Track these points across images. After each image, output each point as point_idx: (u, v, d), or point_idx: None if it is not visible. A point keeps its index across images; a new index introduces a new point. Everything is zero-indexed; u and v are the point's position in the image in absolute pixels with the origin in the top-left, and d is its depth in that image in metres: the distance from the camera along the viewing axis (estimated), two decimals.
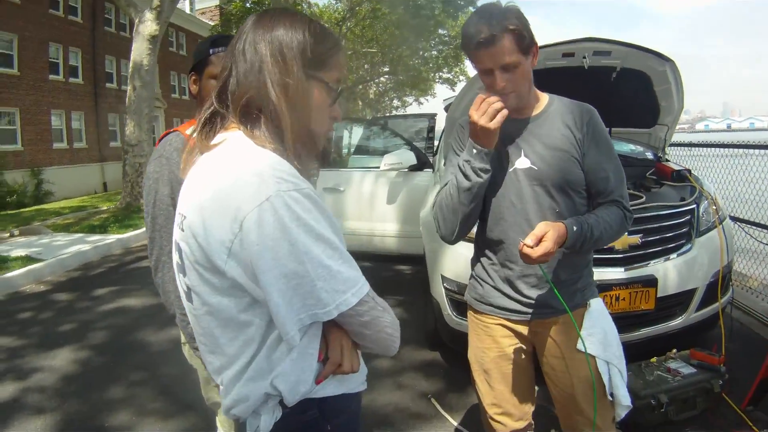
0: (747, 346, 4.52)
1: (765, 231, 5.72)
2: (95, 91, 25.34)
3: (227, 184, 1.25)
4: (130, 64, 13.01)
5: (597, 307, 2.29)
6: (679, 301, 4.02)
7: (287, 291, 1.23)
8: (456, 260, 4.19)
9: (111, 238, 10.18)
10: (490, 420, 2.47)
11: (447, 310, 4.22)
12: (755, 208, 5.99)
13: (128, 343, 5.42)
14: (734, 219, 5.79)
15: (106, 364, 4.93)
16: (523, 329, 2.33)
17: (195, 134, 1.44)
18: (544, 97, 2.26)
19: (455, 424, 3.78)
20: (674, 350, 3.78)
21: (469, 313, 2.51)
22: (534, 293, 2.24)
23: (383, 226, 6.31)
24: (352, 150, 8.11)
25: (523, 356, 2.38)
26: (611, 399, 2.23)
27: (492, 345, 2.38)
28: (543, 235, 1.97)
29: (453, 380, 4.37)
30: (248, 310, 1.31)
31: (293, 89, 1.34)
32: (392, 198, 6.26)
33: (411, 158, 6.19)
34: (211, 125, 1.42)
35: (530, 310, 2.28)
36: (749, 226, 5.89)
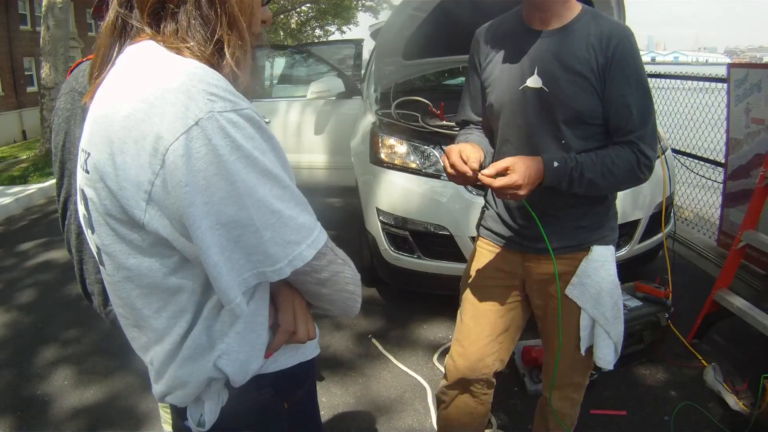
0: (687, 278, 4.51)
1: (700, 163, 5.71)
2: (9, 35, 23.15)
3: (143, 106, 0.91)
4: (43, 3, 12.07)
5: (599, 256, 1.98)
6: (623, 232, 3.92)
7: (227, 245, 0.93)
8: (391, 192, 3.96)
9: (32, 188, 9.47)
10: (447, 356, 2.28)
11: (384, 244, 3.99)
12: (687, 140, 5.98)
13: (57, 299, 5.02)
14: (673, 151, 5.74)
15: (36, 325, 4.56)
16: (516, 261, 2.10)
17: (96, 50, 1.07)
18: (576, 8, 1.89)
19: (398, 364, 3.62)
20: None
21: (476, 240, 2.28)
22: (530, 224, 1.95)
23: (312, 157, 5.97)
24: (275, 81, 7.67)
25: (508, 300, 2.16)
26: (584, 354, 2.06)
27: (477, 270, 2.18)
28: (506, 167, 1.71)
29: (393, 318, 4.21)
30: (177, 273, 1.00)
31: None
32: (320, 128, 5.90)
33: (339, 85, 5.84)
34: (116, 38, 1.04)
35: (524, 242, 2.04)
36: (684, 157, 5.85)
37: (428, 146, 3.93)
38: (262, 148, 0.93)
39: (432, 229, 3.80)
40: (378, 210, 4.01)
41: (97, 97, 1.04)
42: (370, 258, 4.37)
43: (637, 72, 1.85)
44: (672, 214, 4.27)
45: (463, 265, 3.65)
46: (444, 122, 4.22)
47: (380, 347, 3.82)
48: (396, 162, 4.02)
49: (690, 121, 5.92)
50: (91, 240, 1.10)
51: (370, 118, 4.56)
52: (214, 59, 1.00)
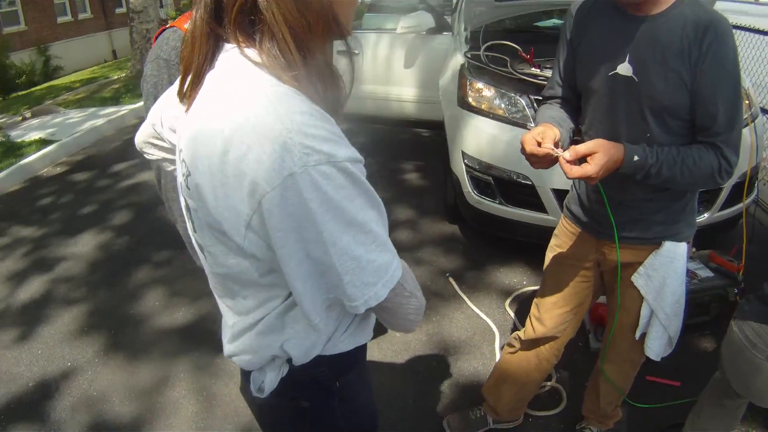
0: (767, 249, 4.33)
1: None
2: None
3: (242, 148, 0.96)
4: None
5: (669, 252, 2.00)
6: (705, 198, 3.88)
7: (313, 275, 1.05)
8: (477, 136, 4.04)
9: (124, 109, 9.61)
10: (528, 316, 2.45)
11: (467, 187, 4.10)
12: None
13: (149, 221, 5.27)
14: (764, 111, 5.33)
15: (130, 246, 4.84)
16: (592, 244, 2.19)
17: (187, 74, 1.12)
18: None
19: (471, 306, 3.75)
20: (694, 249, 3.69)
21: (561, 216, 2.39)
22: (605, 211, 1.95)
23: (400, 90, 6.01)
24: (366, 9, 7.60)
25: (583, 278, 2.28)
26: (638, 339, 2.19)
27: (558, 247, 2.32)
28: (587, 154, 1.72)
29: (471, 258, 4.32)
30: (271, 274, 1.12)
31: None
32: (410, 62, 5.90)
33: (429, 21, 5.75)
34: (208, 50, 1.08)
35: (600, 228, 2.12)
36: None
37: (515, 94, 3.93)
38: (351, 196, 0.99)
39: (515, 177, 3.84)
40: (463, 153, 4.09)
41: (192, 111, 1.09)
42: (454, 197, 4.48)
43: (731, 71, 1.75)
44: (755, 183, 4.18)
45: (542, 215, 3.79)
46: (533, 69, 4.20)
47: (456, 287, 3.95)
48: (483, 107, 4.05)
49: None
50: (194, 237, 1.22)
51: (459, 59, 4.57)
52: (312, 68, 1.03)
